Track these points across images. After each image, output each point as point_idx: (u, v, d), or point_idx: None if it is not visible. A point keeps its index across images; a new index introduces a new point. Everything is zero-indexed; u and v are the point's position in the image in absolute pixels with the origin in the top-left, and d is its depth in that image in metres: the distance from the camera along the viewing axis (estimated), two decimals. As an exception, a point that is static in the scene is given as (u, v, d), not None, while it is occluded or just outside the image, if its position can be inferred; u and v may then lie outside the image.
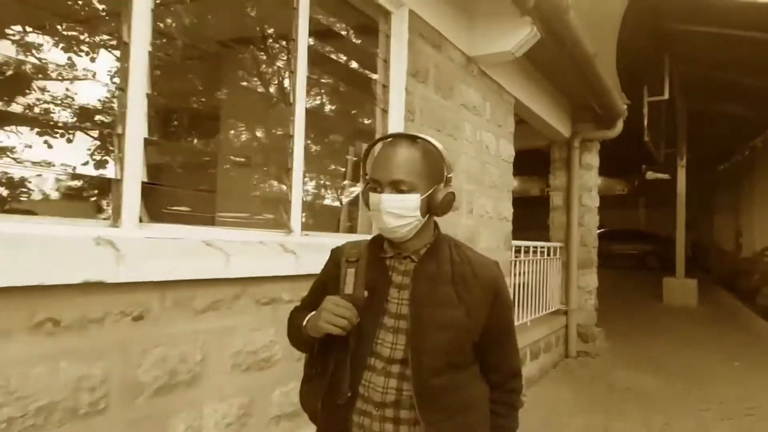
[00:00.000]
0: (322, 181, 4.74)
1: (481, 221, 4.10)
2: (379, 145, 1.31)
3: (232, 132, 3.20)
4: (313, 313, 1.26)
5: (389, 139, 1.29)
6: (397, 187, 1.20)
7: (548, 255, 6.16)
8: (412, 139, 1.27)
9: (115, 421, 1.59)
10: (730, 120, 10.57)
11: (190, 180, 3.69)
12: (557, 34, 3.81)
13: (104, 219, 1.68)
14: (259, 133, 2.83)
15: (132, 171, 1.68)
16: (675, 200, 11.33)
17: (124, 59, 1.71)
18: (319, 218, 2.37)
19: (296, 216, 2.31)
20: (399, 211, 1.19)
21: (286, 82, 2.38)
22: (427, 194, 1.22)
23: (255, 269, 1.99)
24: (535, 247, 5.71)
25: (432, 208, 1.24)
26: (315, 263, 1.55)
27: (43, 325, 1.42)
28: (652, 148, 9.90)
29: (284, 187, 2.36)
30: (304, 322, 1.29)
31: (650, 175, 18.50)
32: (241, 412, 2.00)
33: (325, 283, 1.38)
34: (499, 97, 4.44)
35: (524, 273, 5.43)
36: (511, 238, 4.82)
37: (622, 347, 7.10)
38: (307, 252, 2.18)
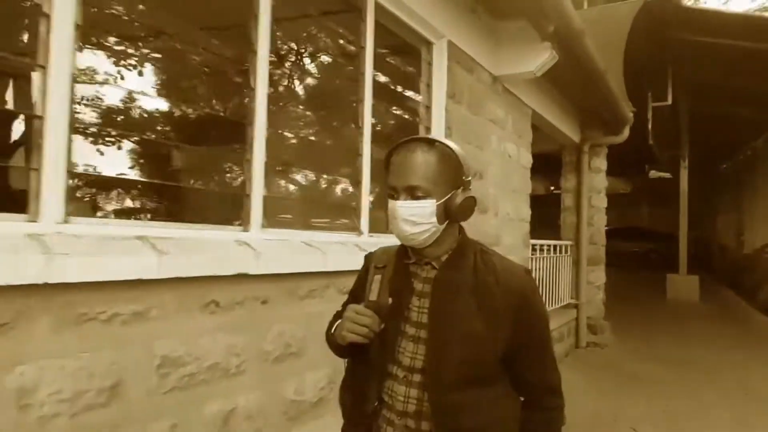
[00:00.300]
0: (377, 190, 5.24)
1: (504, 222, 4.58)
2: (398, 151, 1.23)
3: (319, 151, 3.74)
4: (339, 320, 1.24)
5: (407, 144, 1.20)
6: (412, 193, 1.15)
7: (560, 252, 6.64)
8: (430, 143, 1.19)
9: (252, 381, 2.07)
10: (731, 122, 11.01)
11: (288, 191, 4.39)
12: (573, 56, 4.28)
13: (238, 225, 2.16)
14: (336, 152, 3.33)
15: (257, 188, 2.16)
16: (677, 199, 11.80)
17: (250, 100, 2.19)
18: (380, 222, 2.85)
19: (365, 221, 2.79)
20: (414, 218, 1.14)
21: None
22: (444, 200, 1.16)
23: (340, 264, 2.47)
24: (549, 245, 6.18)
25: (450, 214, 1.18)
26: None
27: (209, 306, 1.90)
28: (656, 150, 10.35)
29: (353, 196, 2.84)
30: (333, 329, 1.29)
31: (653, 174, 18.92)
32: (327, 380, 2.48)
33: (356, 289, 1.37)
34: (519, 110, 4.91)
35: (539, 269, 5.91)
36: (529, 238, 5.30)
37: (629, 339, 7.58)
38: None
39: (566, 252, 6.91)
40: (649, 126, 9.01)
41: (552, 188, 14.00)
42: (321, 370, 2.42)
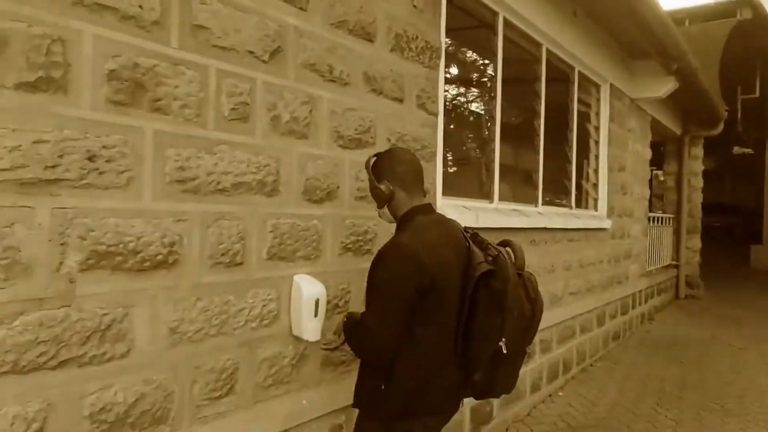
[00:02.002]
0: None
1: (635, 200, 6.52)
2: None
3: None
4: None
5: None
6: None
7: (663, 224, 8.43)
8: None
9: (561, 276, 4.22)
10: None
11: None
12: (689, 84, 6.11)
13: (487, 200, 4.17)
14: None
15: (496, 177, 4.26)
16: (760, 174, 13.03)
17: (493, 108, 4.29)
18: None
19: (540, 197, 4.86)
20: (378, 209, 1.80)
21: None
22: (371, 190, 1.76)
23: (553, 223, 4.53)
24: (657, 217, 8.01)
25: (383, 202, 1.73)
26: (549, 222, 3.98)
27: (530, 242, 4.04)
28: (744, 134, 11.70)
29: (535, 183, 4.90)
30: None
31: (737, 150, 19.66)
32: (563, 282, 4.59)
33: None
34: (644, 118, 6.78)
35: (651, 236, 7.76)
36: (648, 211, 7.19)
37: (719, 294, 9.29)
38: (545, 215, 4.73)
39: (669, 223, 8.69)
40: (738, 116, 10.44)
41: (653, 169, 15.43)
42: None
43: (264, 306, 1.88)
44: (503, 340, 1.63)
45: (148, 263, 1.53)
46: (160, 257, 1.56)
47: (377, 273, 1.59)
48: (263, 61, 1.85)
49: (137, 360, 1.52)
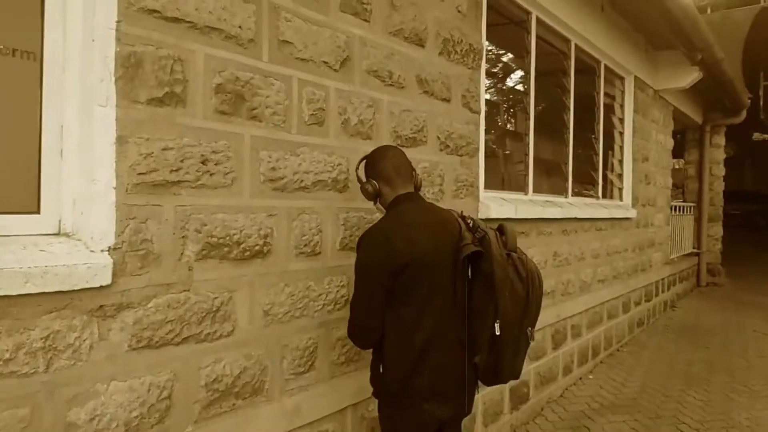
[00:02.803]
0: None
1: (659, 189, 6.62)
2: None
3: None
4: None
5: None
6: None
7: (684, 213, 8.50)
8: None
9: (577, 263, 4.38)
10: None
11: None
12: (713, 74, 6.18)
13: (523, 192, 4.35)
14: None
15: (530, 173, 4.41)
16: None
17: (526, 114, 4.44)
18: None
19: (570, 188, 5.00)
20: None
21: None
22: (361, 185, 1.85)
23: (583, 213, 4.68)
24: (678, 206, 8.08)
25: (369, 199, 1.85)
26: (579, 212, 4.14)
27: (564, 231, 4.21)
28: (766, 121, 11.64)
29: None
30: None
31: (757, 136, 19.45)
32: (563, 287, 4.74)
33: None
34: (666, 108, 6.85)
35: (672, 225, 7.85)
36: (670, 200, 7.28)
37: (740, 281, 9.35)
38: (575, 205, 4.87)
39: (690, 212, 8.75)
40: (761, 103, 10.41)
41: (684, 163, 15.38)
42: (548, 281, 4.69)
43: (337, 291, 2.09)
44: (497, 321, 1.65)
45: (247, 253, 1.74)
46: (257, 248, 1.77)
47: (356, 258, 1.69)
48: (335, 69, 2.05)
49: (239, 338, 1.74)
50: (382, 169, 1.80)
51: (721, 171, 9.04)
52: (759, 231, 17.00)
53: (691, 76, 6.05)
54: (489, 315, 1.66)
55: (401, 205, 1.75)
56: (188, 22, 1.56)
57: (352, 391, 2.16)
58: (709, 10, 8.69)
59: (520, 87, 4.14)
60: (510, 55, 5.03)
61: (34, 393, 1.28)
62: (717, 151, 8.96)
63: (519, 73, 4.09)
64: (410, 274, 1.62)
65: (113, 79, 1.40)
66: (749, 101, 8.31)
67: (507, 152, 4.85)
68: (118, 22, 1.41)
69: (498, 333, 1.64)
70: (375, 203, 1.86)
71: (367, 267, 1.65)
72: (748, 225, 18.74)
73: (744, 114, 8.51)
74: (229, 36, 1.67)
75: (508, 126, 5.58)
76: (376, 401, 1.85)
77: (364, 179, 1.84)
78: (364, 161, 1.88)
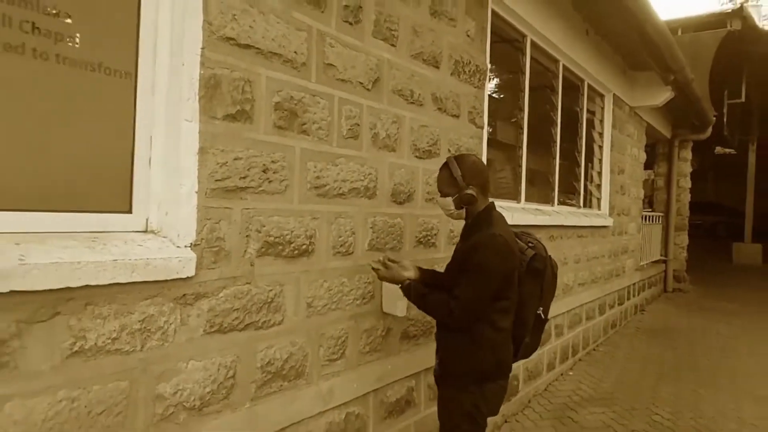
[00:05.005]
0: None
1: (632, 200, 7.06)
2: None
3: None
4: None
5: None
6: (440, 193, 2.04)
7: (653, 222, 9.00)
8: (447, 162, 2.02)
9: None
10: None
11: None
12: (684, 94, 6.65)
13: (516, 201, 4.71)
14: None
15: (523, 180, 4.75)
16: (742, 174, 13.73)
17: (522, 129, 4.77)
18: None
19: (556, 197, 5.37)
20: (445, 207, 2.03)
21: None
22: (454, 195, 1.98)
23: (567, 221, 5.04)
24: (648, 215, 8.57)
25: (461, 204, 1.98)
26: (564, 220, 4.55)
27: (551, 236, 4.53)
28: (729, 137, 12.35)
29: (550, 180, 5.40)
30: None
31: (719, 150, 20.47)
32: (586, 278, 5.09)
33: None
34: (640, 124, 7.31)
35: (642, 233, 8.32)
36: (642, 210, 7.74)
37: (704, 288, 9.92)
38: (561, 213, 5.24)
39: (658, 221, 9.27)
40: (725, 120, 11.05)
41: (653, 175, 16.10)
42: (568, 274, 5.04)
43: (365, 287, 2.33)
44: (541, 308, 2.10)
45: (296, 251, 1.97)
46: (303, 247, 2.00)
47: (477, 257, 1.86)
48: (367, 89, 2.29)
49: (287, 326, 1.96)
50: (483, 179, 2.01)
51: (687, 183, 9.60)
52: (720, 241, 17.87)
53: (664, 95, 6.50)
54: (536, 303, 2.07)
55: (495, 212, 2.01)
56: (256, 48, 1.78)
57: (374, 378, 2.40)
58: (680, 32, 9.22)
59: (500, 97, 4.44)
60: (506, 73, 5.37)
61: (132, 369, 1.48)
62: (684, 165, 9.51)
63: (502, 86, 4.38)
64: (514, 274, 1.95)
65: (197, 98, 1.62)
66: (714, 118, 8.88)
67: (498, 162, 5.16)
68: (202, 48, 1.63)
69: (544, 317, 2.12)
70: (460, 209, 2.01)
71: (492, 267, 1.86)
72: (710, 235, 19.64)
73: (710, 130, 9.08)
74: (287, 60, 1.90)
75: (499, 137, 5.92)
76: (423, 379, 2.10)
77: (463, 184, 1.97)
78: (460, 166, 1.98)
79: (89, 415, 1.39)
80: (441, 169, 2.05)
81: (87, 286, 1.35)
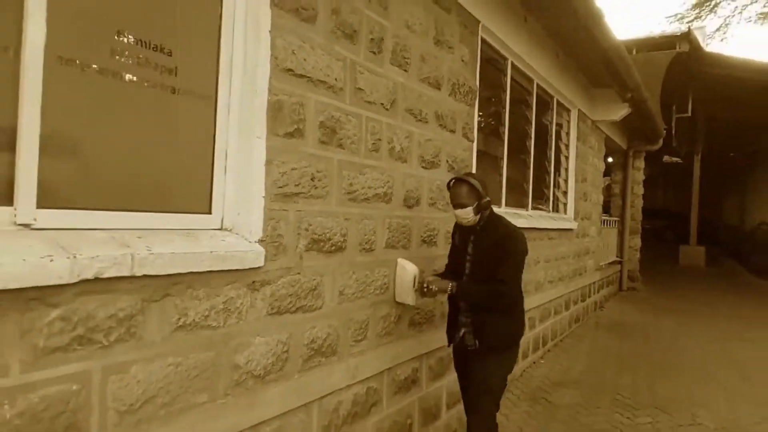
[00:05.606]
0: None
1: (593, 205, 7.68)
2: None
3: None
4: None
5: (455, 181, 2.52)
6: (461, 205, 2.48)
7: (609, 226, 9.72)
8: (463, 180, 2.48)
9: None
10: (736, 125, 13.94)
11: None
12: (639, 110, 7.32)
13: (498, 206, 5.21)
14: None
15: (503, 187, 5.24)
16: (688, 182, 14.83)
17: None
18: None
19: (530, 203, 5.89)
20: (464, 216, 2.49)
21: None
22: (474, 206, 2.46)
23: (540, 224, 5.55)
24: (606, 220, 9.26)
25: (479, 210, 2.48)
26: (537, 223, 5.09)
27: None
28: (678, 148, 13.34)
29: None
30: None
31: (667, 159, 21.84)
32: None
33: (452, 238, 2.78)
34: (600, 136, 7.95)
35: (602, 236, 8.99)
36: (601, 215, 8.40)
37: (655, 287, 10.74)
38: (534, 217, 5.76)
39: (614, 225, 10.00)
40: (674, 132, 11.97)
41: (610, 182, 16.90)
42: (542, 266, 5.53)
43: (383, 279, 2.70)
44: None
45: (333, 247, 2.32)
46: (339, 243, 2.35)
47: (510, 247, 2.46)
48: (386, 109, 2.67)
49: (325, 311, 2.31)
50: (489, 189, 2.58)
51: (641, 190, 10.39)
52: (667, 244, 19.07)
53: (622, 111, 7.15)
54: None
55: (497, 214, 2.63)
56: (308, 77, 2.13)
57: (389, 358, 2.77)
58: (634, 51, 10.00)
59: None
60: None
61: (216, 342, 1.80)
62: (638, 173, 10.30)
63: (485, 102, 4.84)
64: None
65: (266, 119, 1.96)
66: (665, 131, 9.68)
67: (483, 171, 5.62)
68: (270, 78, 1.97)
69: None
70: (477, 215, 2.50)
71: (522, 255, 2.51)
72: (659, 239, 20.88)
73: (661, 142, 9.88)
74: (329, 86, 2.25)
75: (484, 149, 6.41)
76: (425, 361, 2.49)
77: (484, 197, 2.50)
78: (478, 182, 2.49)
79: (188, 377, 1.71)
80: (459, 186, 2.49)
81: (191, 272, 1.67)
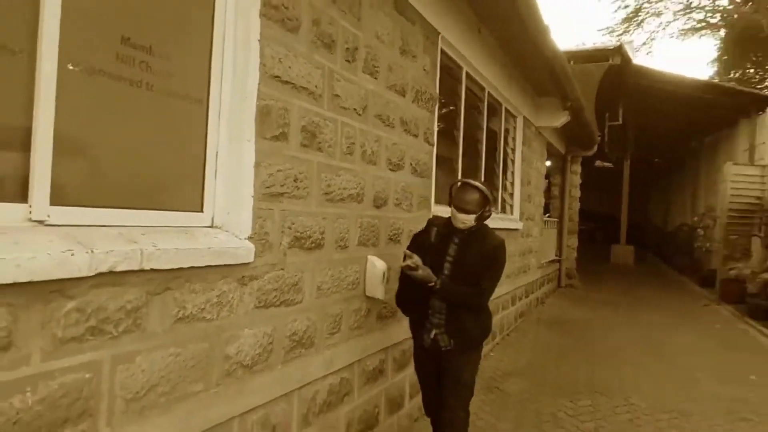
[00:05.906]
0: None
1: (536, 206, 8.15)
2: (458, 184, 2.69)
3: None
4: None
5: (465, 184, 2.62)
6: (467, 211, 2.55)
7: (549, 226, 10.31)
8: (476, 187, 2.57)
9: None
10: (662, 133, 15.10)
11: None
12: (577, 118, 7.85)
13: None
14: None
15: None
16: (618, 186, 15.91)
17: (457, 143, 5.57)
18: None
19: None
20: (466, 221, 2.56)
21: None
22: (478, 214, 2.57)
23: (492, 224, 5.89)
24: (546, 220, 9.82)
25: (481, 220, 2.61)
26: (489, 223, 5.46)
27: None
28: (609, 153, 14.28)
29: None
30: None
31: (599, 163, 23.23)
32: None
33: (419, 235, 2.80)
34: (542, 141, 8.45)
35: (542, 236, 9.53)
36: (543, 215, 8.91)
37: (591, 284, 11.47)
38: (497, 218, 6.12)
39: (554, 226, 10.61)
40: (606, 139, 12.82)
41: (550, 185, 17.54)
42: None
43: (355, 275, 2.86)
44: None
45: (313, 245, 2.46)
46: (318, 241, 2.49)
47: (500, 258, 2.63)
48: (359, 114, 2.83)
49: (305, 305, 2.44)
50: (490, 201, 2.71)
51: (577, 193, 11.08)
52: (598, 245, 20.30)
53: (562, 118, 7.64)
54: None
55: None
56: (292, 83, 2.26)
57: (359, 350, 2.93)
58: (572, 62, 10.65)
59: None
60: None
61: (210, 333, 1.91)
62: (575, 177, 10.98)
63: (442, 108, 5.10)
64: None
65: (255, 123, 2.08)
66: (599, 138, 10.37)
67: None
68: (258, 84, 2.09)
69: None
70: (476, 221, 2.60)
71: (504, 263, 2.68)
72: (590, 240, 22.14)
73: (595, 148, 10.58)
74: (310, 92, 2.39)
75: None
76: (390, 353, 2.67)
77: (490, 207, 2.66)
78: (488, 192, 2.63)
79: (186, 367, 1.80)
80: (472, 192, 2.57)
81: (191, 267, 1.77)
